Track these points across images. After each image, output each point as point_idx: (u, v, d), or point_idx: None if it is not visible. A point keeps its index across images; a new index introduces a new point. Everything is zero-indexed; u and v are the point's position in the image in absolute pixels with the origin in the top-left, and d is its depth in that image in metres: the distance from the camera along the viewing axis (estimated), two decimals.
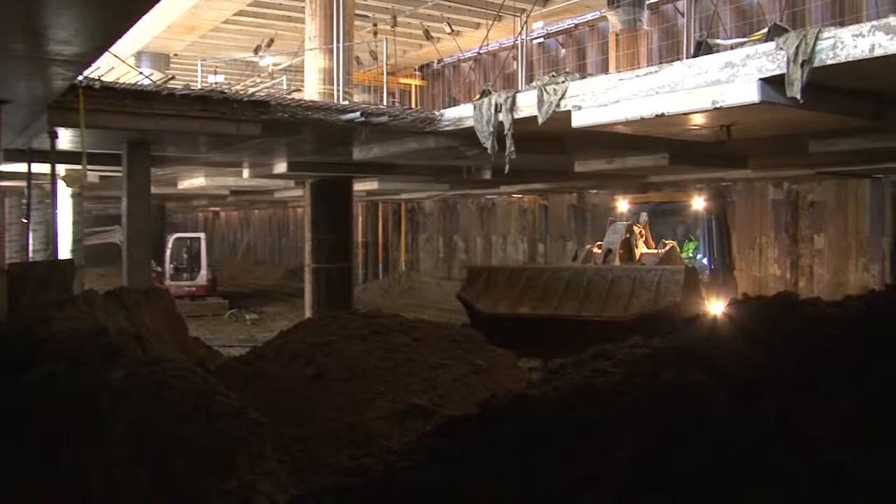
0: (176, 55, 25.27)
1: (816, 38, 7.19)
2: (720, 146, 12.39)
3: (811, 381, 2.32)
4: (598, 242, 14.28)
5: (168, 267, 26.14)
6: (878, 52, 6.76)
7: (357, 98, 21.15)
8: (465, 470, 2.35)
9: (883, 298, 2.91)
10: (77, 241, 18.07)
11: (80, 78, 8.92)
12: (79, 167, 10.58)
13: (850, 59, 7.00)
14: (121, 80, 10.42)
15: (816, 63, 7.21)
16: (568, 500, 2.06)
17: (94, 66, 8.09)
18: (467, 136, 11.79)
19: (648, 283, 11.46)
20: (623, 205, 15.66)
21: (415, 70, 29.15)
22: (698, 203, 14.86)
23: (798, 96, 7.39)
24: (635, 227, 14.30)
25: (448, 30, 22.08)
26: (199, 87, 13.81)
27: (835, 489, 1.86)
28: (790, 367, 2.40)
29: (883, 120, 9.45)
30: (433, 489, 2.34)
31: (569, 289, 12.19)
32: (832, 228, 19.38)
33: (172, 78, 11.68)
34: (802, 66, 7.29)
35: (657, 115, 8.98)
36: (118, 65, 11.22)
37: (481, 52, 23.09)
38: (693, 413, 2.26)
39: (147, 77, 13.26)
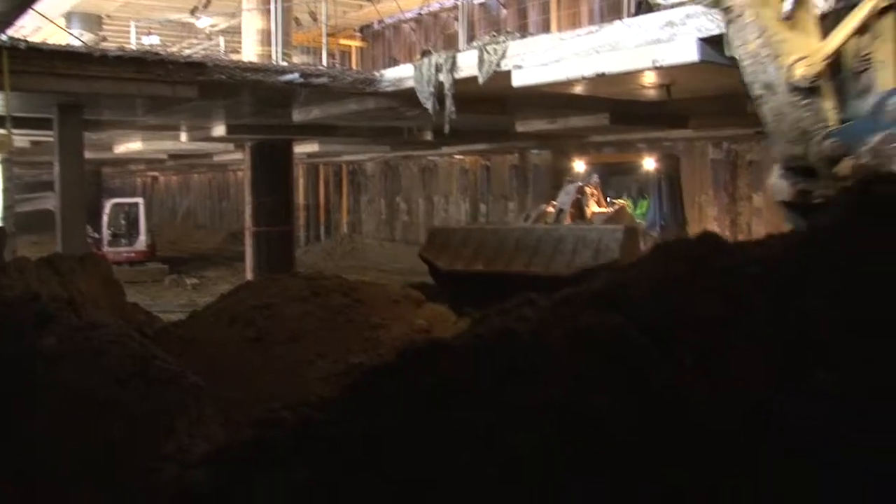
0: (108, 16, 24.52)
1: None
2: (661, 106, 12.51)
3: (731, 320, 2.36)
4: (553, 203, 15.11)
5: (105, 233, 25.62)
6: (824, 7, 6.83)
7: (296, 59, 20.83)
8: (380, 421, 2.35)
9: (800, 235, 2.96)
10: (8, 207, 17.59)
11: (4, 38, 8.64)
12: (4, 132, 10.29)
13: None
14: (49, 41, 10.12)
15: None
16: (483, 448, 2.08)
17: (20, 25, 7.85)
18: (408, 96, 11.73)
19: (590, 242, 12.31)
20: (580, 165, 16.14)
21: (355, 31, 28.78)
22: (649, 163, 15.35)
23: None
24: (587, 188, 15.00)
25: None
26: (133, 48, 13.48)
27: (753, 428, 1.91)
28: (711, 307, 2.44)
29: None
30: (348, 441, 2.34)
31: (519, 247, 13.14)
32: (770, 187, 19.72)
33: (104, 39, 11.37)
34: None
35: (598, 75, 9.02)
36: (47, 25, 10.90)
37: (422, 12, 22.91)
38: (609, 355, 2.29)
39: (78, 38, 12.89)
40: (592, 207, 15.11)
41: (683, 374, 2.17)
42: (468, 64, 10.55)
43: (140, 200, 28.01)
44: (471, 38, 16.54)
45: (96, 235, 24.59)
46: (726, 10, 5.17)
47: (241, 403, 6.92)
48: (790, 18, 4.91)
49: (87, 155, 15.06)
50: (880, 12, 4.93)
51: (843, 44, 5.02)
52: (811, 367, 2.09)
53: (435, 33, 24.32)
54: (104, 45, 10.87)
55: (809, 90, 4.90)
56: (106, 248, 24.56)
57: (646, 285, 2.66)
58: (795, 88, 4.90)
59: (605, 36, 8.84)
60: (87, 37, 12.21)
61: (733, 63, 7.54)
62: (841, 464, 1.76)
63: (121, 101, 12.08)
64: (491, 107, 13.01)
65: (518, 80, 9.90)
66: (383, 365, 2.87)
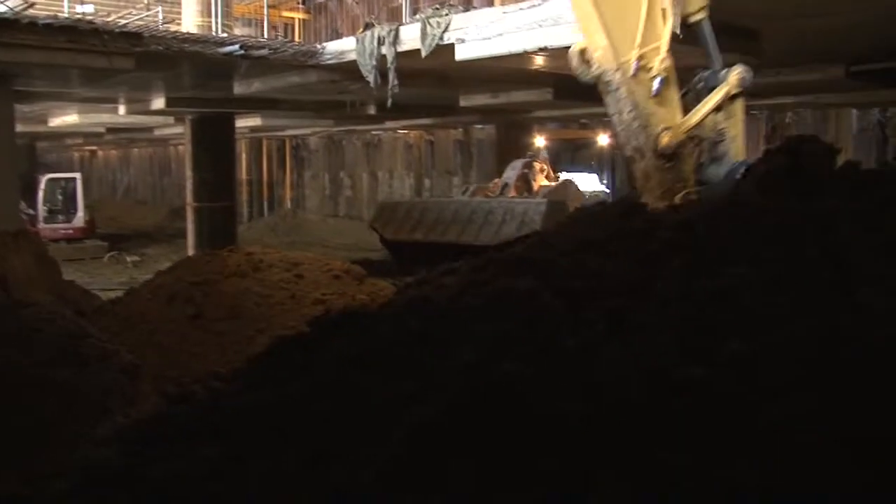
0: None
1: None
2: None
3: (646, 284, 2.37)
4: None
5: (41, 209, 25.01)
6: None
7: (238, 31, 20.43)
8: (293, 391, 2.31)
9: (717, 200, 2.99)
10: None
11: None
12: None
13: None
14: None
15: None
16: (395, 416, 2.05)
17: None
18: (350, 70, 11.60)
19: (516, 214, 13.62)
20: (540, 140, 16.94)
21: (298, 3, 28.36)
22: (603, 139, 16.09)
23: (677, 31, 7.47)
24: (536, 163, 15.96)
25: None
26: (66, 17, 13.06)
27: (659, 392, 1.90)
28: (626, 271, 2.45)
29: (757, 57, 9.69)
30: (259, 413, 2.29)
31: (455, 219, 14.57)
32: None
33: (32, 5, 10.99)
34: None
35: (540, 49, 8.99)
36: None
37: None
38: (522, 320, 2.28)
39: (3, 3, 12.45)
40: (540, 181, 15.93)
41: (595, 338, 2.16)
42: (411, 37, 10.46)
43: (77, 175, 27.33)
44: (414, 11, 16.39)
45: (31, 212, 23.99)
46: (606, 84, 5.69)
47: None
48: (658, 95, 5.66)
49: (20, 128, 14.66)
50: (732, 97, 6.07)
51: (702, 120, 5.92)
52: (724, 335, 2.09)
53: (378, 6, 24.08)
54: (33, 12, 10.46)
55: (672, 156, 5.74)
56: (42, 225, 23.97)
57: (563, 249, 2.65)
58: (661, 154, 5.68)
59: (548, 10, 8.81)
60: (14, 2, 11.80)
61: (673, 38, 7.63)
62: (742, 435, 1.76)
63: (53, 72, 11.71)
64: (434, 81, 12.93)
65: (461, 54, 9.84)
66: (297, 334, 2.83)
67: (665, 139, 5.66)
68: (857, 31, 8.77)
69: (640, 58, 5.55)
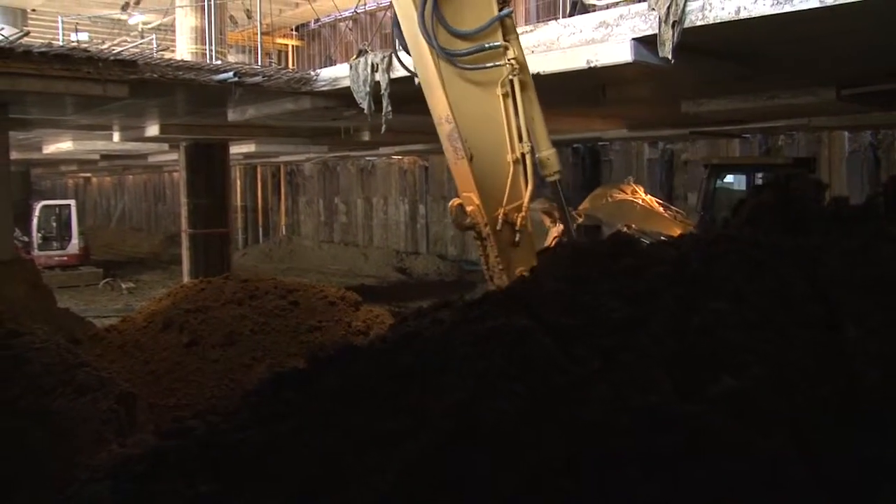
0: (34, 10, 23.90)
1: (686, 0, 7.34)
2: (596, 106, 12.58)
3: (637, 321, 2.37)
4: None
5: (36, 236, 24.99)
6: (744, 14, 6.97)
7: (232, 58, 20.59)
8: (287, 427, 2.30)
9: (710, 235, 3.00)
10: None
11: None
12: None
13: (718, 21, 7.17)
14: None
15: (686, 24, 7.36)
16: (385, 454, 2.04)
17: None
18: (344, 96, 11.62)
19: None
20: None
21: (291, 30, 28.53)
22: None
23: (669, 56, 7.53)
24: None
25: None
26: (61, 45, 13.11)
27: (653, 431, 1.90)
28: (618, 309, 2.45)
29: (751, 80, 9.76)
30: (253, 450, 2.28)
31: None
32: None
33: (27, 34, 11.02)
34: (674, 26, 7.42)
35: (533, 75, 9.02)
36: None
37: (359, 11, 22.76)
38: (514, 359, 2.27)
39: None
40: None
41: (588, 376, 2.16)
42: (404, 63, 10.48)
43: (72, 202, 27.35)
44: None
45: (25, 239, 23.98)
46: (478, 233, 6.57)
47: (177, 409, 6.79)
48: (518, 244, 6.59)
49: (14, 155, 14.69)
50: None
51: None
52: (715, 370, 2.10)
53: (372, 32, 24.20)
54: (28, 40, 10.49)
55: None
56: (36, 252, 23.93)
57: (555, 286, 2.65)
58: None
59: (541, 36, 8.85)
60: (10, 31, 11.85)
61: (666, 63, 7.69)
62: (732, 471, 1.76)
63: (48, 100, 11.72)
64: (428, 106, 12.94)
65: None
66: (292, 370, 2.82)
67: None
68: (849, 55, 8.84)
69: (505, 214, 6.36)
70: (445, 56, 6.29)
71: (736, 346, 2.12)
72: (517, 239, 6.52)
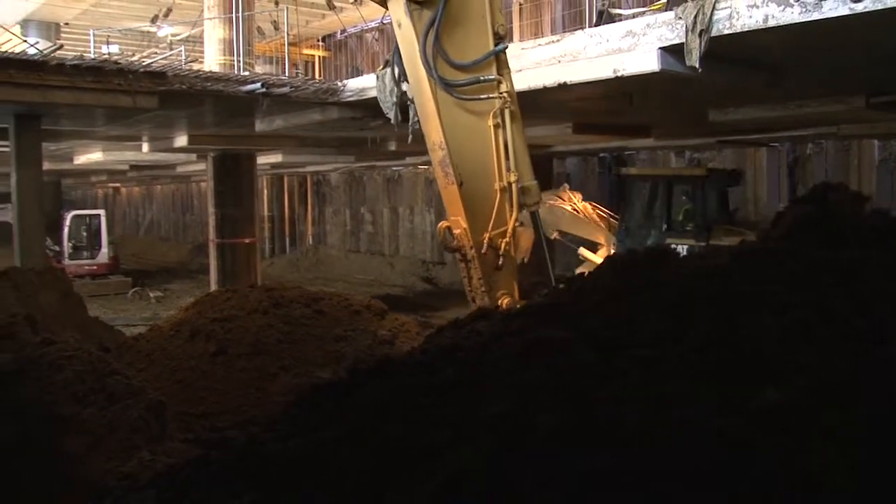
0: (66, 24, 24.24)
1: (713, 8, 7.33)
2: (623, 116, 12.55)
3: (679, 334, 2.35)
4: None
5: (66, 245, 25.26)
6: (772, 23, 6.94)
7: (259, 69, 20.73)
8: (327, 438, 2.31)
9: (748, 247, 2.98)
10: None
11: None
12: None
13: (746, 29, 7.16)
14: (4, 49, 9.94)
15: (714, 32, 7.35)
16: (426, 466, 2.04)
17: None
18: (371, 106, 11.67)
19: None
20: None
21: (318, 41, 28.69)
22: None
23: (697, 65, 7.53)
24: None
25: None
26: (92, 57, 13.29)
27: (690, 445, 1.89)
28: (659, 321, 2.43)
29: (779, 88, 9.71)
30: (293, 460, 2.29)
31: None
32: (732, 195, 19.90)
33: (61, 47, 11.18)
34: (700, 35, 7.43)
35: (560, 84, 9.03)
36: (1, 33, 10.70)
37: (385, 21, 22.81)
38: (554, 371, 2.27)
39: (33, 46, 12.67)
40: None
41: (628, 389, 2.15)
42: None
43: (101, 212, 27.61)
44: None
45: (56, 248, 24.25)
46: (463, 255, 6.98)
47: (204, 418, 6.84)
48: (501, 268, 7.02)
49: (46, 166, 14.86)
50: None
51: None
52: (757, 383, 2.08)
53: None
54: (61, 53, 10.64)
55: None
56: (67, 262, 24.21)
57: (595, 298, 2.65)
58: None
59: (567, 45, 8.87)
60: (44, 45, 12.04)
61: (693, 72, 7.68)
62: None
63: (79, 111, 11.89)
64: None
65: None
66: (332, 381, 2.83)
67: (504, 302, 6.88)
68: (878, 62, 8.77)
69: (490, 238, 6.80)
70: (443, 85, 6.68)
71: (778, 359, 2.11)
72: (500, 263, 6.94)
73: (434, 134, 6.83)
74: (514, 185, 6.89)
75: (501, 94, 6.84)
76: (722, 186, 15.18)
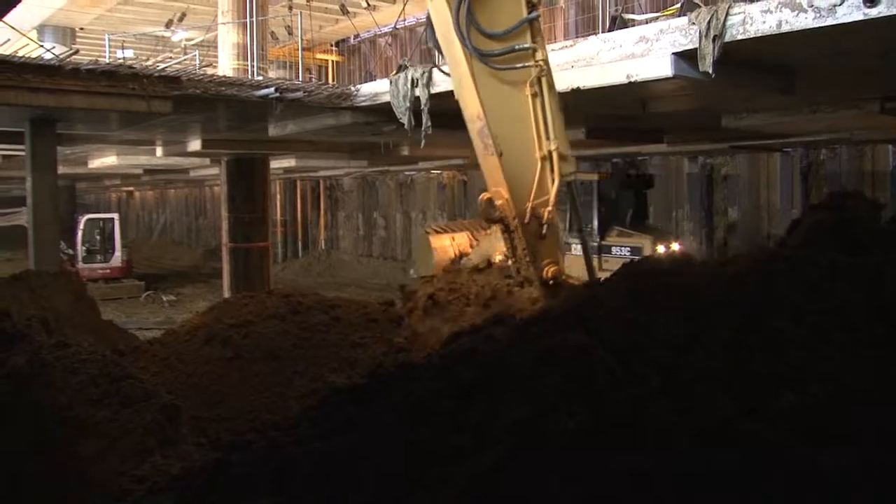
0: (82, 29, 24.39)
1: (727, 14, 7.32)
2: (636, 121, 12.53)
3: (696, 339, 2.35)
4: None
5: (80, 249, 25.40)
6: (785, 28, 6.92)
7: (273, 74, 20.77)
8: (348, 442, 2.31)
9: (766, 254, 2.97)
10: None
11: None
12: None
13: (759, 35, 7.14)
14: (20, 54, 9.99)
15: (727, 38, 7.34)
16: (447, 470, 2.04)
17: None
18: (384, 111, 11.68)
19: None
20: None
21: (331, 45, 28.77)
22: None
23: (710, 70, 7.52)
24: None
25: (365, 4, 21.80)
26: (107, 62, 13.35)
27: (713, 447, 1.88)
28: (676, 326, 2.43)
29: (792, 94, 9.67)
30: (315, 463, 2.29)
31: None
32: (745, 201, 19.84)
33: (76, 52, 11.25)
34: (714, 40, 7.42)
35: (573, 89, 9.02)
36: (18, 38, 10.77)
37: (398, 26, 22.91)
38: (574, 375, 2.27)
39: (49, 51, 12.75)
40: None
41: (648, 394, 2.15)
42: (444, 78, 10.50)
43: (115, 216, 27.75)
44: None
45: (71, 252, 24.38)
46: (505, 226, 6.90)
47: (219, 422, 6.84)
48: (545, 237, 6.98)
49: (61, 170, 14.93)
50: None
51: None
52: (775, 387, 2.07)
53: (411, 47, 24.33)
54: (77, 58, 10.70)
55: (554, 284, 7.00)
56: (81, 265, 24.34)
57: (614, 304, 2.64)
58: (545, 283, 6.94)
59: (580, 51, 8.86)
60: (60, 50, 12.13)
61: (706, 77, 7.66)
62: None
63: (94, 115, 11.94)
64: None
65: None
66: (352, 386, 2.83)
67: (550, 271, 6.91)
68: (892, 66, 8.73)
69: (533, 208, 6.75)
70: (478, 56, 6.61)
71: (796, 364, 2.10)
72: (544, 232, 6.86)
73: (471, 105, 6.78)
74: (554, 154, 6.81)
75: (537, 62, 6.75)
76: (630, 190, 16.63)
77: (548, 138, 6.79)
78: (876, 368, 2.01)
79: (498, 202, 6.80)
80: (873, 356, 2.08)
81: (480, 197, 7.00)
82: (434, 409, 2.34)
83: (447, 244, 19.74)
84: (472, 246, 19.61)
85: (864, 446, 1.76)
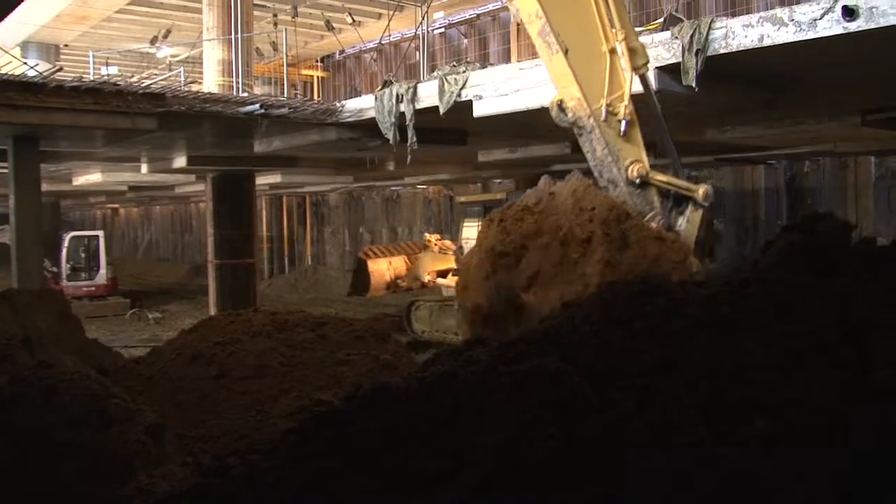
0: (66, 46, 24.36)
1: (709, 28, 7.39)
2: None
3: (670, 362, 2.36)
4: None
5: (64, 267, 25.21)
6: (767, 42, 7.00)
7: (258, 90, 20.82)
8: (327, 467, 2.30)
9: (741, 275, 2.98)
10: None
11: None
12: None
13: (741, 49, 7.22)
14: (3, 71, 9.96)
15: (710, 52, 7.41)
16: (426, 495, 2.04)
17: None
18: (369, 127, 11.72)
19: None
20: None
21: (317, 61, 28.82)
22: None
23: (693, 84, 7.57)
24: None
25: (350, 20, 21.89)
26: (91, 79, 13.31)
27: (688, 472, 1.89)
28: (650, 349, 2.44)
29: (775, 108, 9.74)
30: (294, 489, 2.28)
31: None
32: (730, 214, 19.93)
33: (60, 69, 11.22)
34: (697, 55, 7.49)
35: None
36: (1, 55, 10.73)
37: (383, 42, 23.00)
38: (550, 401, 2.28)
39: (33, 68, 12.71)
40: None
41: (622, 417, 2.16)
42: (429, 94, 10.56)
43: (100, 233, 27.58)
44: (432, 69, 16.60)
45: (55, 269, 24.23)
46: (581, 128, 6.58)
47: (204, 441, 6.79)
48: (625, 135, 6.56)
49: (45, 187, 14.85)
50: (696, 206, 7.07)
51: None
52: (748, 412, 2.09)
53: (396, 63, 24.40)
54: (61, 75, 10.67)
55: (641, 184, 6.67)
56: (65, 283, 24.18)
57: (589, 327, 2.66)
58: (631, 183, 6.60)
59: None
60: (44, 67, 12.10)
61: (689, 91, 7.70)
62: None
63: (78, 133, 11.90)
64: (452, 136, 13.01)
65: (479, 111, 9.93)
66: (331, 410, 2.82)
67: (635, 170, 6.59)
68: (872, 80, 8.82)
69: (609, 105, 6.45)
70: None
71: (768, 388, 2.11)
72: (623, 129, 6.56)
73: (528, 3, 6.53)
74: (623, 45, 6.54)
75: None
76: None
77: (613, 28, 6.51)
78: (843, 391, 2.03)
79: (569, 103, 6.52)
80: (842, 379, 2.10)
81: (550, 101, 6.72)
82: (412, 434, 2.34)
83: (384, 268, 20.35)
84: (407, 269, 20.32)
85: (836, 470, 1.77)
